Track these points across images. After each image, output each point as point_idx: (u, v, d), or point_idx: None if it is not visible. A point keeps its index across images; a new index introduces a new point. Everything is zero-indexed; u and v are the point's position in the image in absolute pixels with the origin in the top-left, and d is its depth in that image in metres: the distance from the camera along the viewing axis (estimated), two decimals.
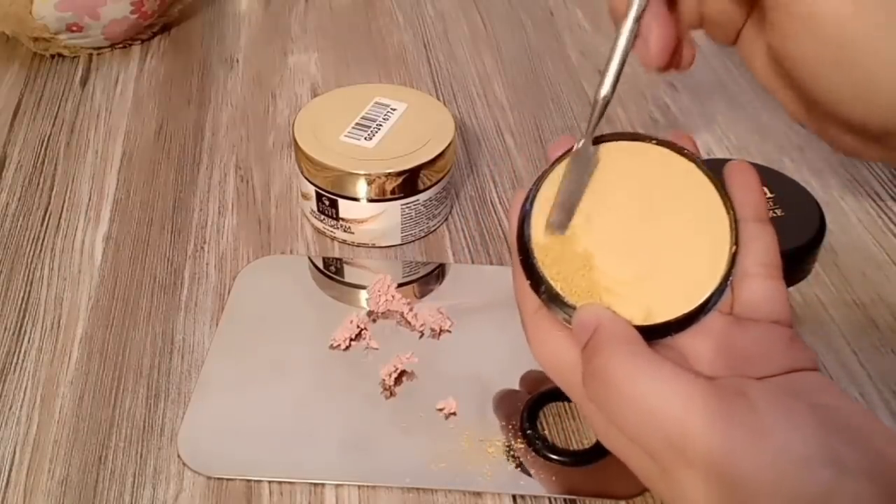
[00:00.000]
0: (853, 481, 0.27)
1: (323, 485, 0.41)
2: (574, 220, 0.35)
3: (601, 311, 0.33)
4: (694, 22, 0.37)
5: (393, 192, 0.52)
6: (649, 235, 0.35)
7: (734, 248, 0.34)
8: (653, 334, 0.33)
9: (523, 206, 0.36)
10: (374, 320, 0.49)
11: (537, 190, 0.36)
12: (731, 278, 0.34)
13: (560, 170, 0.36)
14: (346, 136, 0.53)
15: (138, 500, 0.41)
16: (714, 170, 0.36)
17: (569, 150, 0.36)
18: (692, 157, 0.36)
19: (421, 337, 0.48)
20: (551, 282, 0.34)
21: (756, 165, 0.54)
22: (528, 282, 0.35)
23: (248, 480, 0.41)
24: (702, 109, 0.66)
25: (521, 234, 0.35)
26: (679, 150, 0.36)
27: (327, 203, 0.53)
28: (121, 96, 0.68)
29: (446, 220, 0.56)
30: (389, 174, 0.51)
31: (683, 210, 0.35)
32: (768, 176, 0.54)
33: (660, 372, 0.30)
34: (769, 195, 0.52)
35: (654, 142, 0.36)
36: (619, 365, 0.30)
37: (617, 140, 0.36)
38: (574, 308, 0.33)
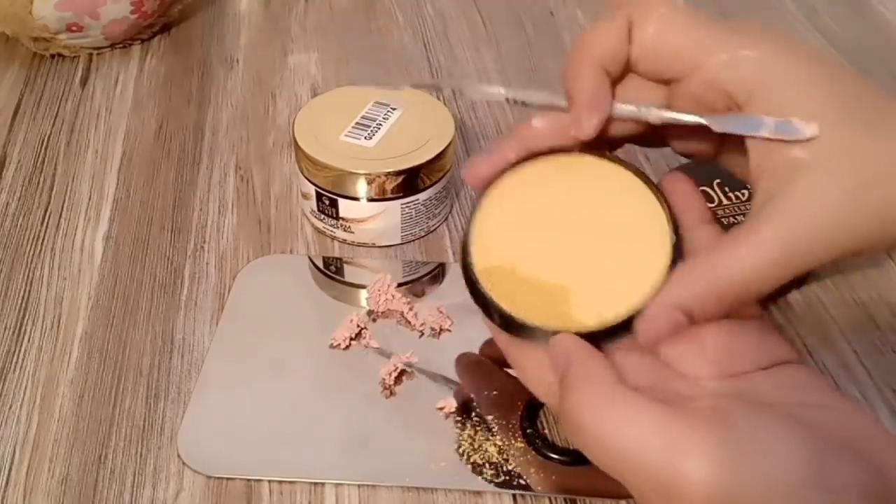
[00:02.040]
0: (843, 501, 0.27)
1: (323, 484, 0.41)
2: (515, 237, 0.35)
3: (572, 346, 0.32)
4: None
5: (393, 191, 0.52)
6: (591, 244, 0.35)
7: (676, 239, 0.34)
8: (610, 336, 0.33)
9: (463, 240, 0.36)
10: (374, 320, 0.49)
11: (472, 221, 0.36)
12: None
13: (493, 198, 0.36)
14: (346, 135, 0.53)
15: (138, 499, 0.41)
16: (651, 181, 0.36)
17: (500, 175, 0.36)
18: (628, 165, 0.36)
19: (421, 336, 0.48)
20: (500, 304, 0.34)
21: None
22: (481, 311, 0.35)
23: (248, 480, 0.41)
24: None
25: (465, 264, 0.35)
26: (615, 160, 0.36)
27: (327, 203, 0.53)
28: (121, 96, 0.68)
29: (446, 219, 0.56)
30: (389, 174, 0.51)
31: (623, 217, 0.35)
32: None
33: (637, 415, 0.29)
34: None
35: (595, 154, 0.36)
36: (593, 410, 0.30)
37: (551, 155, 0.36)
38: (526, 326, 0.33)
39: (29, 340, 0.48)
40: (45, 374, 0.46)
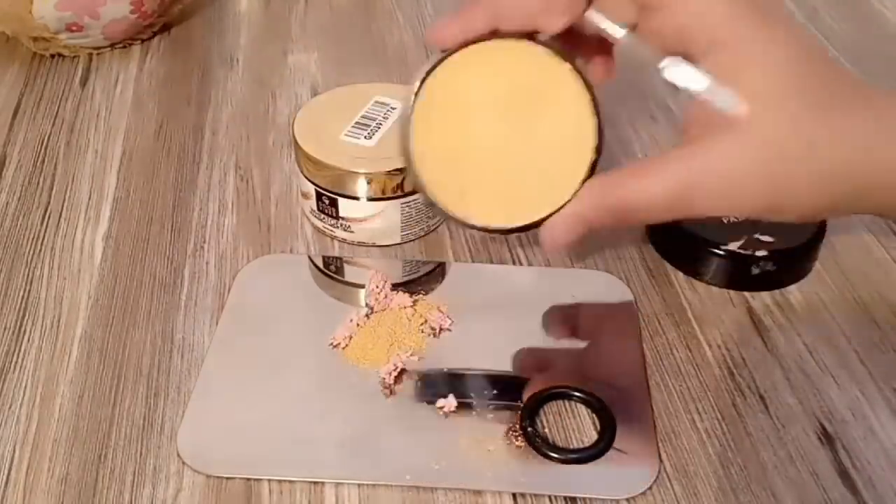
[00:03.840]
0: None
1: (323, 483, 0.41)
2: (452, 127, 0.38)
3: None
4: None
5: (393, 190, 0.52)
6: (521, 147, 0.38)
7: (595, 157, 0.38)
8: (511, 232, 0.40)
9: (405, 112, 0.39)
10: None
11: (415, 104, 0.38)
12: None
13: (437, 84, 0.38)
14: (346, 134, 0.53)
15: (138, 498, 0.41)
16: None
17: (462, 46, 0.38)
18: (566, 55, 0.38)
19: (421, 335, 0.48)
20: (426, 185, 0.39)
21: None
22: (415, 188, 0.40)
23: (248, 479, 0.41)
24: None
25: (405, 147, 0.39)
26: (552, 49, 0.38)
27: (327, 202, 0.53)
28: (121, 96, 0.68)
29: (446, 218, 0.56)
30: (390, 173, 0.51)
31: (551, 113, 0.38)
32: None
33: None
34: None
35: (550, 49, 0.38)
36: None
37: (505, 39, 0.38)
38: (445, 212, 0.40)
39: (29, 340, 0.48)
40: (45, 374, 0.46)
